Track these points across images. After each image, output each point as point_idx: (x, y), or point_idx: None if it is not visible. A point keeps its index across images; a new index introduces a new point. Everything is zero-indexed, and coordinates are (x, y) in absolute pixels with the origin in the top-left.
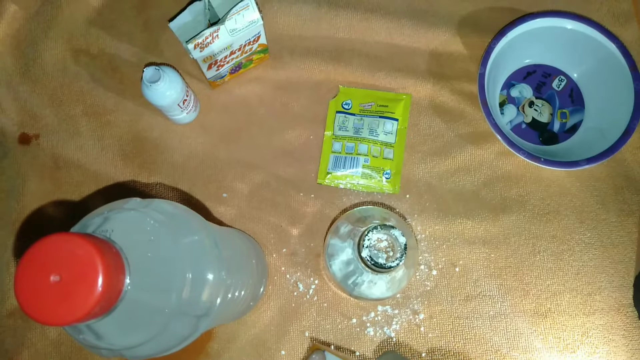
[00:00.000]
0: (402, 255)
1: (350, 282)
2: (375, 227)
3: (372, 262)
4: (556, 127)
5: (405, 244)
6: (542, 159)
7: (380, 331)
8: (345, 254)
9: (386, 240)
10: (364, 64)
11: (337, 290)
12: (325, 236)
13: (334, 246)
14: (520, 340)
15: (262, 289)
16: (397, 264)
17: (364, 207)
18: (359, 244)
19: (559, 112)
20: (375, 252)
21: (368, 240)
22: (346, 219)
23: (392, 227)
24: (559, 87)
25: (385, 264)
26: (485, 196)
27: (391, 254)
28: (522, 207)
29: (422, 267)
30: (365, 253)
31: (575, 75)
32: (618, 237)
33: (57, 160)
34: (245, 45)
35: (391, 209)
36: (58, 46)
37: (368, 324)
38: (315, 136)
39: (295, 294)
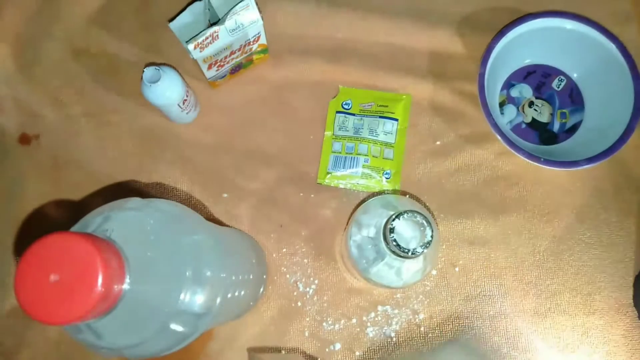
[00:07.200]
0: (427, 243)
1: (364, 261)
2: (407, 212)
3: (396, 245)
4: (556, 127)
5: (432, 234)
6: (542, 159)
7: (380, 331)
8: (369, 231)
9: (413, 228)
10: (364, 64)
11: (345, 272)
12: (353, 211)
13: (359, 222)
14: (520, 340)
15: (262, 289)
16: (422, 251)
17: (398, 196)
18: (385, 225)
19: (559, 112)
20: (400, 236)
21: (397, 221)
22: (378, 200)
23: (423, 215)
24: (558, 87)
25: (408, 249)
26: (485, 196)
27: (413, 244)
28: (522, 207)
29: None
30: (391, 234)
31: (575, 75)
32: (618, 237)
33: (57, 160)
34: (245, 45)
35: None
36: (58, 46)
37: (368, 324)
38: (315, 136)
39: (295, 294)
